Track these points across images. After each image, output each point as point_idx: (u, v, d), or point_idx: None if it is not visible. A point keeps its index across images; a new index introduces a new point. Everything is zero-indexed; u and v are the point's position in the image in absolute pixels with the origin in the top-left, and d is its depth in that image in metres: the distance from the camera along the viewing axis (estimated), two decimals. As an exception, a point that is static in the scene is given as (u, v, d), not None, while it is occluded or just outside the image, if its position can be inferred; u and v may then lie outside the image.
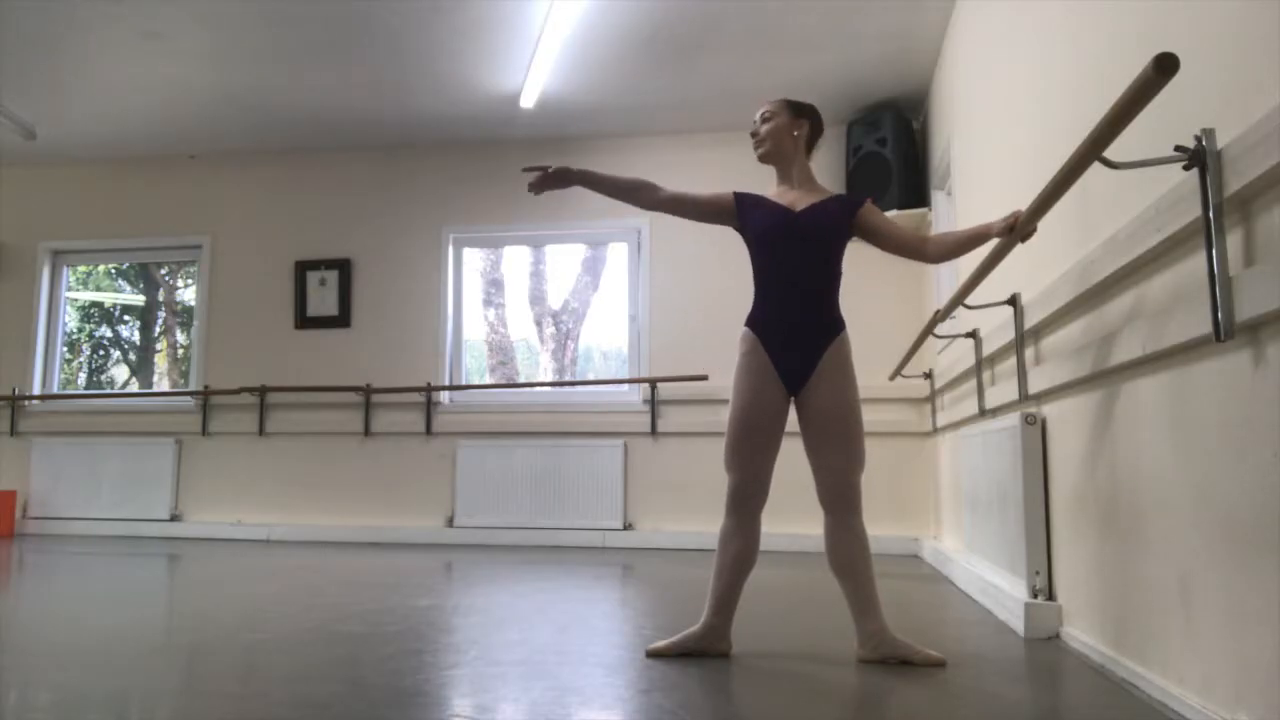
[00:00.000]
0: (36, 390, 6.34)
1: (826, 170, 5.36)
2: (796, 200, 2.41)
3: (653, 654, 2.31)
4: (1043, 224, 2.22)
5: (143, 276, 6.95)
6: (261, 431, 6.02)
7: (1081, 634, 2.36)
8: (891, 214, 5.12)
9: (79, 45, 4.72)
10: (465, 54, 4.79)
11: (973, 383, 3.64)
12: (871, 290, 5.34)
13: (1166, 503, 1.82)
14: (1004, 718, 1.78)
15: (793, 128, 2.46)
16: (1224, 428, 1.58)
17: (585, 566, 4.43)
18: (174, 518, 6.00)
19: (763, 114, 2.49)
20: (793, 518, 5.25)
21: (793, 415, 2.35)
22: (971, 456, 3.60)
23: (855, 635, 2.28)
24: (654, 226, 5.77)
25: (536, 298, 6.42)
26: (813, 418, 2.30)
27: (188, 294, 6.73)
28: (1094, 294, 2.17)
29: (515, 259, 6.41)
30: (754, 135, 2.48)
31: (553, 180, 2.50)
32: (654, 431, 5.54)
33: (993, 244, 2.36)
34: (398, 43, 4.67)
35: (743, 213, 2.44)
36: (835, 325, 2.34)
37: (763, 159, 2.49)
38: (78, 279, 6.80)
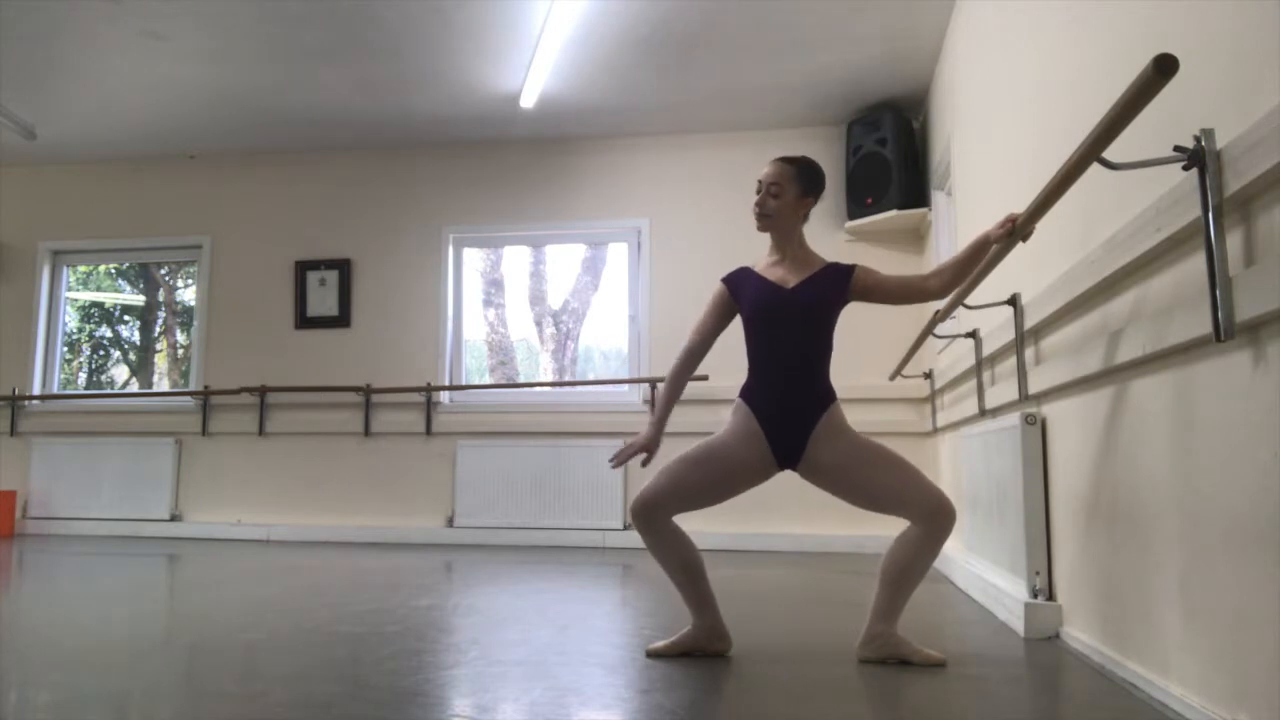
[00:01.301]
0: (36, 390, 6.34)
1: (827, 171, 5.35)
2: (788, 275, 2.35)
3: (653, 654, 2.31)
4: (1042, 224, 2.22)
5: (143, 276, 6.94)
6: (261, 431, 6.01)
7: (1081, 634, 2.36)
8: (891, 214, 5.13)
9: (79, 45, 4.72)
10: (465, 54, 4.79)
11: (973, 383, 3.64)
12: (871, 290, 5.33)
13: (1166, 503, 1.82)
14: (1004, 718, 1.78)
15: (799, 207, 2.37)
16: (1224, 428, 1.58)
17: (585, 566, 4.43)
18: (174, 518, 6.00)
19: (770, 186, 2.35)
20: (793, 518, 5.26)
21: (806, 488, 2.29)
22: (971, 456, 3.60)
23: (861, 633, 2.27)
24: (654, 226, 5.77)
25: (536, 298, 6.42)
26: (839, 472, 2.25)
27: (188, 294, 6.73)
28: (1094, 294, 2.17)
29: (515, 259, 6.41)
30: (758, 206, 2.36)
31: (651, 451, 2.39)
32: (654, 431, 5.53)
33: (993, 247, 2.36)
34: (398, 43, 4.67)
35: (736, 294, 2.40)
36: (826, 397, 2.29)
37: (761, 230, 2.40)
38: (78, 279, 6.80)
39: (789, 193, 2.35)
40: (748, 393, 2.34)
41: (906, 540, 2.23)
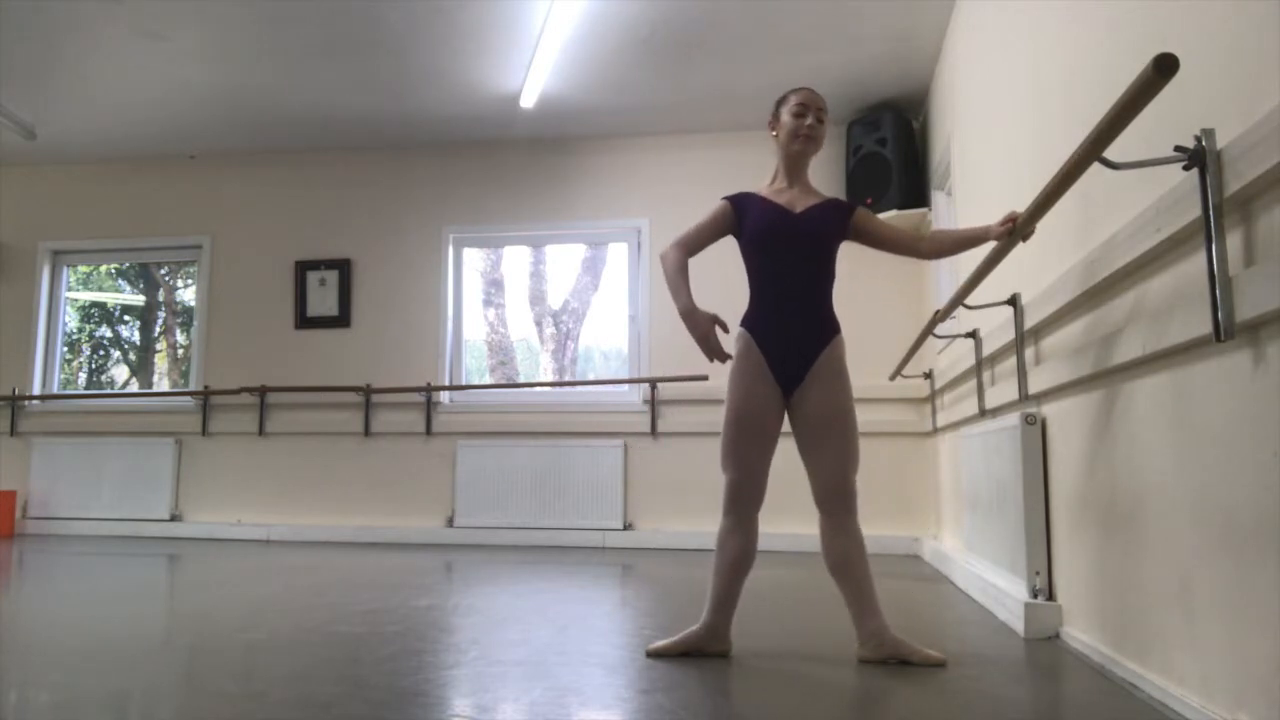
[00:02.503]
0: (36, 390, 6.34)
1: (827, 170, 5.36)
2: (794, 201, 2.39)
3: (653, 654, 2.31)
4: (1043, 224, 2.23)
5: (143, 276, 6.94)
6: (261, 431, 6.01)
7: (1081, 634, 2.36)
8: (891, 214, 5.13)
9: (79, 45, 4.72)
10: (465, 54, 4.79)
11: (973, 383, 3.64)
12: (871, 290, 5.34)
13: (1166, 502, 1.82)
14: (1004, 718, 1.78)
15: (827, 134, 2.47)
16: (1224, 428, 1.58)
17: (585, 566, 4.43)
18: (174, 518, 6.00)
19: (819, 112, 2.40)
20: (793, 518, 5.25)
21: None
22: (971, 456, 3.60)
23: (855, 635, 2.28)
24: (654, 226, 5.77)
25: (536, 298, 6.42)
26: (808, 420, 2.30)
27: (188, 294, 6.72)
28: (1094, 294, 2.17)
29: (515, 259, 6.41)
30: (809, 130, 2.38)
31: (716, 319, 2.35)
32: (654, 431, 5.54)
33: (991, 244, 2.37)
34: (398, 43, 4.67)
35: (740, 215, 2.42)
36: (830, 327, 2.33)
37: (798, 156, 2.42)
38: (78, 279, 6.80)
39: (827, 119, 2.43)
40: (749, 320, 2.36)
41: (826, 532, 2.29)
